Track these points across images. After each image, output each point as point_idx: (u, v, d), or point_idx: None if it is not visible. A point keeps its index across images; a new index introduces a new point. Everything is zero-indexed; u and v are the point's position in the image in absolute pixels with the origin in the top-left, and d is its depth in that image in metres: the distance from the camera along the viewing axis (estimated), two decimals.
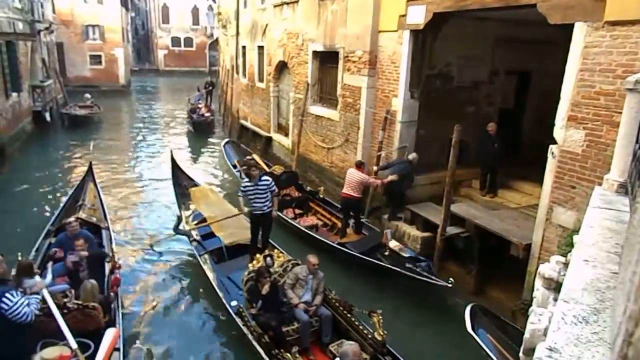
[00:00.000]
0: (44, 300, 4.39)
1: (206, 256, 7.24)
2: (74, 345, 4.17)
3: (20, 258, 5.21)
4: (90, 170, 9.66)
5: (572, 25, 5.32)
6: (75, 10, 29.65)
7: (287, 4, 12.41)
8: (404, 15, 8.01)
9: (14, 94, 15.01)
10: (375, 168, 8.63)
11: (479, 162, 8.68)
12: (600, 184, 4.07)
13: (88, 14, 30.03)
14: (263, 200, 6.87)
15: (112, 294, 5.63)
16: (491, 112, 10.18)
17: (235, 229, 7.63)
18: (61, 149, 16.22)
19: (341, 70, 9.90)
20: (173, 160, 10.29)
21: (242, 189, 6.99)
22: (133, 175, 13.65)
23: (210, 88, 23.63)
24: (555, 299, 2.63)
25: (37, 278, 4.61)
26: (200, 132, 19.25)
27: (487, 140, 8.40)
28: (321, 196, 9.88)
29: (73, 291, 5.13)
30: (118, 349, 4.73)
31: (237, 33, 17.96)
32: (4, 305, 3.85)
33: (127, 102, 28.93)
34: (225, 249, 7.38)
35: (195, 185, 9.59)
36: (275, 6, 13.30)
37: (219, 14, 23.61)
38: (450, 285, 6.18)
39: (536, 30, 7.74)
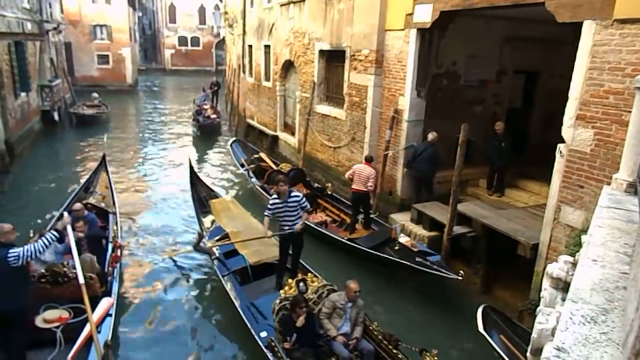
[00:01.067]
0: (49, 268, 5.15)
1: (229, 277, 6.54)
2: (82, 280, 4.66)
3: (31, 235, 5.95)
4: (103, 161, 10.34)
5: (580, 24, 5.28)
6: (83, 10, 29.83)
7: (294, 3, 12.42)
8: (410, 14, 7.99)
9: (23, 94, 15.12)
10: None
11: (486, 162, 8.64)
12: (609, 184, 4.04)
13: (96, 14, 30.21)
14: (294, 218, 6.09)
15: (110, 268, 6.26)
16: (499, 111, 10.13)
17: (260, 246, 6.77)
18: (69, 148, 16.36)
19: (348, 69, 9.89)
20: (191, 169, 9.56)
21: (269, 207, 6.11)
22: (143, 177, 13.53)
23: (216, 88, 22.94)
24: (563, 299, 2.62)
25: (65, 214, 5.18)
26: (206, 135, 18.31)
27: (495, 139, 8.36)
28: (329, 192, 9.90)
29: (71, 261, 5.45)
30: (110, 315, 5.33)
31: (244, 32, 18.01)
32: (11, 258, 4.31)
33: (134, 102, 29.08)
34: (250, 269, 6.65)
35: (216, 196, 8.91)
36: (281, 5, 13.32)
37: (226, 13, 23.73)
38: (460, 278, 6.17)
39: (544, 29, 7.71)
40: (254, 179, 10.89)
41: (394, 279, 7.28)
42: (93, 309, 4.94)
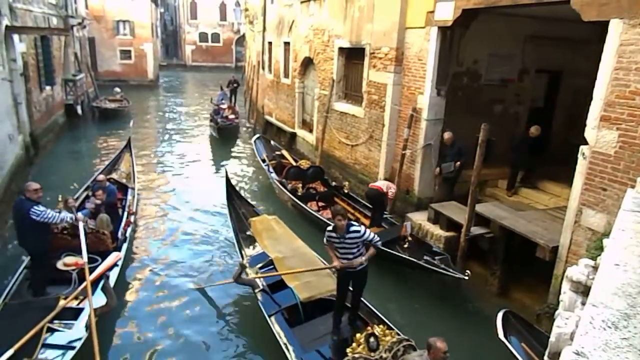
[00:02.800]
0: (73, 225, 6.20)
1: (277, 317, 5.51)
2: (85, 257, 5.82)
3: (59, 199, 6.96)
4: (129, 143, 11.71)
5: (607, 23, 5.16)
6: (106, 6, 30.36)
7: (314, 0, 12.41)
8: (432, 12, 7.91)
9: (48, 88, 15.45)
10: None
11: (506, 162, 8.55)
12: (633, 187, 3.96)
13: (119, 10, 30.70)
14: (352, 255, 5.13)
15: (123, 230, 7.45)
16: (520, 111, 9.99)
17: (312, 276, 5.79)
18: (91, 141, 16.69)
19: (367, 67, 9.85)
20: (228, 182, 8.48)
21: (326, 237, 5.26)
22: (163, 174, 13.38)
23: (235, 86, 21.84)
24: (583, 303, 2.58)
25: (80, 214, 6.37)
26: (225, 137, 16.96)
27: (527, 141, 8.28)
28: (346, 191, 9.92)
29: (88, 220, 6.81)
30: (117, 265, 6.38)
31: (264, 29, 18.08)
32: (33, 213, 5.44)
33: (155, 97, 29.46)
34: (300, 305, 5.62)
35: (256, 213, 7.87)
36: (302, 2, 13.33)
37: (246, 9, 23.84)
38: (466, 277, 6.13)
39: (569, 28, 7.56)
40: (273, 174, 11.01)
41: (406, 277, 7.25)
42: (104, 259, 6.20)
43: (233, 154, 16.04)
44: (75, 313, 5.17)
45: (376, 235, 5.21)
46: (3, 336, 4.52)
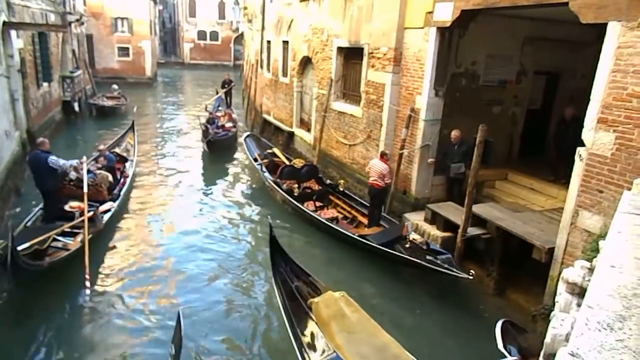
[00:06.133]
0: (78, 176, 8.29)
1: None
2: (85, 189, 7.82)
3: (75, 163, 8.15)
4: (132, 126, 13.97)
5: (605, 25, 5.17)
6: (105, 2, 30.23)
7: None
8: (430, 12, 7.92)
9: (45, 84, 15.38)
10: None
11: (506, 163, 8.55)
12: (629, 189, 3.97)
13: (117, 7, 30.58)
14: None
15: (118, 188, 9.58)
16: (518, 113, 10.01)
17: None
18: (88, 138, 16.63)
19: (365, 67, 9.85)
20: (272, 241, 6.07)
21: None
22: (161, 185, 12.38)
23: (229, 86, 20.47)
24: (579, 305, 2.59)
25: (78, 162, 8.21)
26: (219, 152, 14.19)
27: (573, 123, 8.07)
28: (341, 189, 9.89)
29: (90, 178, 8.52)
30: (110, 211, 8.46)
31: (263, 28, 18.05)
32: (50, 161, 7.50)
33: (152, 94, 29.40)
34: None
35: (315, 287, 5.74)
36: (301, 1, 13.31)
37: (245, 8, 23.75)
38: (471, 277, 6.11)
39: (567, 30, 7.58)
40: (266, 174, 10.92)
41: (404, 278, 7.25)
42: (101, 204, 8.37)
43: (229, 175, 13.56)
44: (74, 235, 7.39)
45: None
46: (22, 241, 6.30)
